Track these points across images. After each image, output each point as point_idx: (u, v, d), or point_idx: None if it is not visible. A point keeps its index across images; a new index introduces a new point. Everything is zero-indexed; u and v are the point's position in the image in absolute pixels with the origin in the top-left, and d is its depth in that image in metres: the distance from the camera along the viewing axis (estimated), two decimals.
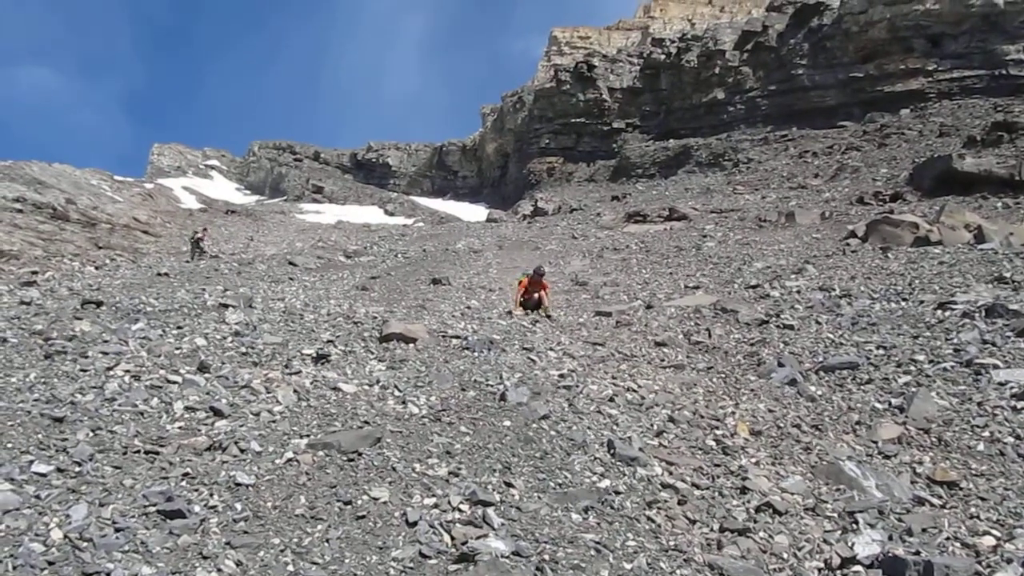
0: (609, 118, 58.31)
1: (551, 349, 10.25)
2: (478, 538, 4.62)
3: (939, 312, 10.53)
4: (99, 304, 11.58)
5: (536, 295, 13.78)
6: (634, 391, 8.47)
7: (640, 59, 60.35)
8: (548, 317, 13.38)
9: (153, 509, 4.60)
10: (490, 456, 6.01)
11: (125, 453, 5.44)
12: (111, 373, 7.36)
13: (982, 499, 5.82)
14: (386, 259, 24.40)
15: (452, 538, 4.65)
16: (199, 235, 28.53)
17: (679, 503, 5.64)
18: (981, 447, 6.71)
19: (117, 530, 4.32)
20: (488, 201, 69.76)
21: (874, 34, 43.00)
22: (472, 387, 7.89)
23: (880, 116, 39.22)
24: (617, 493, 5.61)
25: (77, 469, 5.05)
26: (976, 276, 12.29)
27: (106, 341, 8.72)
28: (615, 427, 7.14)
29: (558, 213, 39.60)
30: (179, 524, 4.46)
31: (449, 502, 5.08)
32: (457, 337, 10.55)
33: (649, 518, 5.31)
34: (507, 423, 6.76)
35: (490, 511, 4.97)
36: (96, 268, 22.44)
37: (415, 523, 4.77)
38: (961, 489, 6.04)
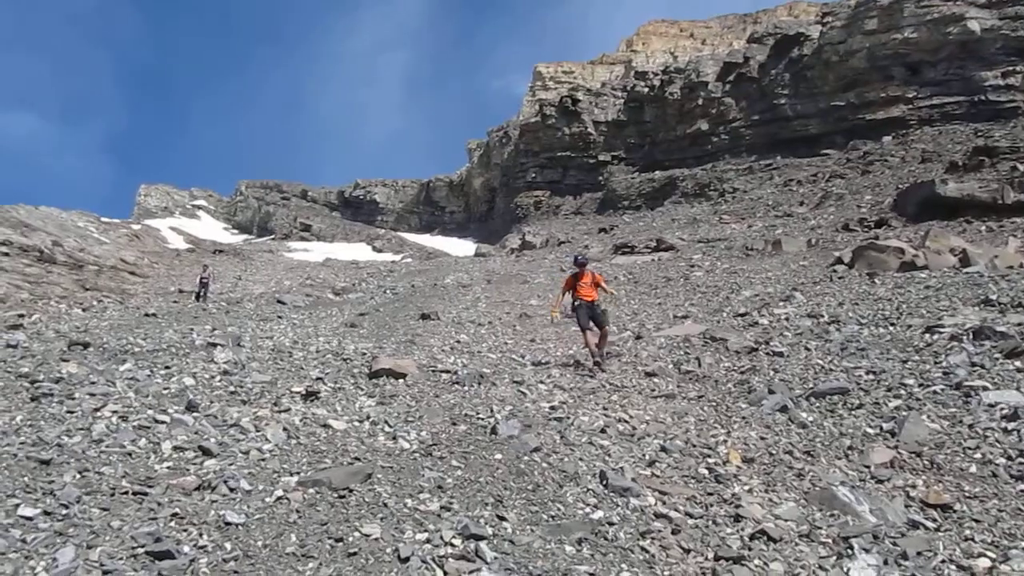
0: (595, 151, 58.86)
1: (541, 382, 10.22)
2: (471, 572, 4.58)
3: (927, 336, 10.57)
4: (86, 346, 11.54)
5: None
6: (625, 421, 8.44)
7: (624, 92, 61.09)
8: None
9: (141, 550, 4.54)
10: (482, 490, 5.97)
11: (113, 494, 5.38)
12: (98, 414, 7.31)
13: (976, 521, 5.81)
14: (375, 295, 24.36)
15: (445, 573, 4.60)
16: (204, 275, 28.51)
17: (673, 532, 5.60)
18: (973, 469, 6.71)
19: (105, 573, 4.26)
20: (476, 236, 70.06)
21: (854, 63, 43.74)
22: (463, 421, 7.86)
23: (862, 144, 39.75)
24: (610, 524, 5.57)
25: (64, 512, 4.98)
26: (963, 299, 12.36)
27: (93, 382, 8.68)
28: (607, 458, 7.11)
29: (546, 246, 39.78)
30: (168, 565, 4.40)
31: (441, 537, 5.03)
32: (447, 371, 10.54)
33: (643, 548, 5.27)
34: (498, 456, 6.72)
35: (483, 545, 4.93)
36: (83, 310, 22.34)
37: (407, 559, 4.71)
38: (955, 512, 6.03)
